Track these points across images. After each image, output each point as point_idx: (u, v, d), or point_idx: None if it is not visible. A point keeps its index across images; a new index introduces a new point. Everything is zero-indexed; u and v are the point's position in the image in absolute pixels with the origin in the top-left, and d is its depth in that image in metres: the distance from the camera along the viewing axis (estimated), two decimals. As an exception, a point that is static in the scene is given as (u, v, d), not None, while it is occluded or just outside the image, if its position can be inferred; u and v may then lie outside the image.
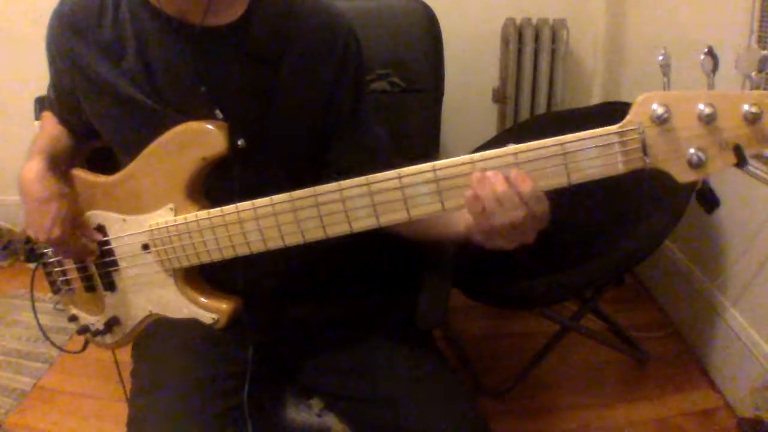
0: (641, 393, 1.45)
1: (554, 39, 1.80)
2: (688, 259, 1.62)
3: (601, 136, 0.55)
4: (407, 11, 1.27)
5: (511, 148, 0.58)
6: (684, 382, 1.47)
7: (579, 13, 1.91)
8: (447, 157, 0.61)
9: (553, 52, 1.81)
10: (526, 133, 1.54)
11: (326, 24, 0.80)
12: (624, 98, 1.86)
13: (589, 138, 0.56)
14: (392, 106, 1.26)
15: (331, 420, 0.88)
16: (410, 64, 1.26)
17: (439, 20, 1.26)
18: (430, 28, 1.26)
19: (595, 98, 2.00)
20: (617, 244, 1.17)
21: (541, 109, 1.86)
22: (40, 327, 0.94)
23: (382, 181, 0.63)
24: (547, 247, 1.29)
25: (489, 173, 0.59)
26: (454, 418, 0.79)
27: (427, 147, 1.31)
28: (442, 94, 1.31)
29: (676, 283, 1.68)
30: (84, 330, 0.90)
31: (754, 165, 1.25)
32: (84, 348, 0.97)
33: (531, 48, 1.80)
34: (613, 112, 1.37)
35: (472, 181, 0.59)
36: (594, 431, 1.36)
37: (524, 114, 1.87)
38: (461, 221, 0.70)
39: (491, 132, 2.01)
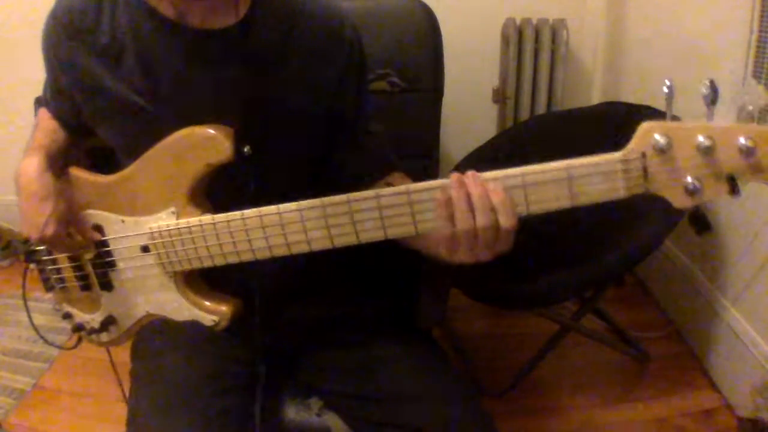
0: (641, 393, 1.45)
1: (554, 39, 1.80)
2: (688, 259, 1.62)
3: (605, 163, 0.58)
4: (407, 11, 1.27)
5: (519, 169, 0.60)
6: (684, 382, 1.47)
7: (579, 13, 1.91)
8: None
9: (553, 52, 1.81)
10: (526, 134, 1.55)
11: (330, 25, 0.79)
12: (624, 98, 1.85)
13: (594, 165, 0.58)
14: (392, 106, 1.26)
15: (330, 420, 0.88)
16: (410, 64, 1.26)
17: (439, 20, 1.26)
18: (430, 28, 1.26)
19: (595, 98, 1.99)
20: (617, 244, 1.17)
21: (541, 109, 1.85)
22: (33, 324, 0.94)
23: (391, 195, 0.64)
24: (548, 248, 1.29)
25: (468, 175, 0.61)
26: (457, 414, 0.79)
27: (427, 147, 1.31)
28: (442, 94, 1.31)
29: (676, 283, 1.68)
30: (78, 328, 0.89)
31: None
32: (77, 344, 0.97)
33: (531, 48, 1.79)
34: (612, 112, 1.38)
35: (452, 181, 0.61)
36: (594, 431, 1.36)
37: (524, 114, 1.86)
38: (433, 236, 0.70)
39: (491, 132, 2.01)
